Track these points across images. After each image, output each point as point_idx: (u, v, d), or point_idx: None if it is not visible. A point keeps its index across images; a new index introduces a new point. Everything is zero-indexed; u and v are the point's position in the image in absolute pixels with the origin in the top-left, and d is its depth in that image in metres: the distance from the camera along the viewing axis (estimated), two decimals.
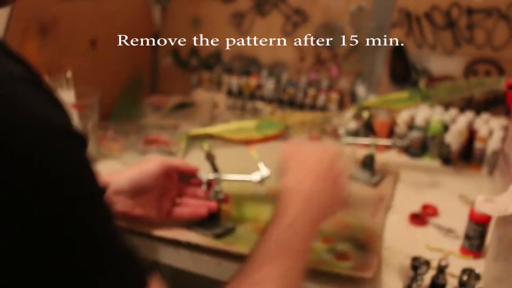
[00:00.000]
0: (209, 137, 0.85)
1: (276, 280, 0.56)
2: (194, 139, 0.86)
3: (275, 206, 0.65)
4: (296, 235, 0.62)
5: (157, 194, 0.84)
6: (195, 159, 0.92)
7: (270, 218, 0.64)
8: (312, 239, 0.65)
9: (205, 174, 0.87)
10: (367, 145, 1.15)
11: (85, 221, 0.41)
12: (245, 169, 0.85)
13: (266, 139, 0.86)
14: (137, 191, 0.80)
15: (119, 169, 1.08)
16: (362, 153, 1.18)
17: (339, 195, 0.71)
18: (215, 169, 0.87)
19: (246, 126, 0.84)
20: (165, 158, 0.84)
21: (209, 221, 0.87)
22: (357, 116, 1.26)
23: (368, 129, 1.16)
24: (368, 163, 1.11)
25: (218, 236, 0.85)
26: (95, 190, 0.43)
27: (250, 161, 0.85)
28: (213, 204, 0.86)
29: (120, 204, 0.80)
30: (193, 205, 0.88)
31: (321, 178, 0.69)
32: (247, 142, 0.85)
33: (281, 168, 0.71)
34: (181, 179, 0.88)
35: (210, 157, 0.86)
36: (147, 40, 1.57)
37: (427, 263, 0.77)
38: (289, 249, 0.60)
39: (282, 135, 0.86)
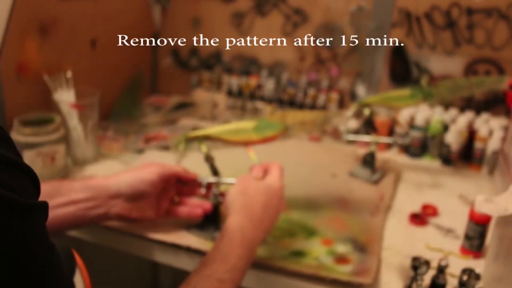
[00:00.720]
0: (207, 138, 0.85)
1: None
2: (192, 141, 0.86)
3: (218, 242, 0.70)
4: (233, 279, 0.67)
5: (155, 198, 0.84)
6: (194, 161, 0.92)
7: (212, 252, 0.69)
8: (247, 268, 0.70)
9: (204, 176, 0.87)
10: (367, 143, 1.15)
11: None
12: (243, 171, 0.85)
13: (265, 140, 0.85)
14: (135, 196, 0.81)
15: (119, 169, 1.08)
16: (362, 151, 1.18)
17: (271, 224, 0.78)
18: (214, 171, 0.86)
19: (244, 127, 0.84)
20: (164, 165, 0.84)
21: (208, 223, 0.87)
22: (358, 114, 1.26)
23: (369, 126, 1.16)
24: (368, 160, 1.11)
25: None
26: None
27: (248, 162, 0.85)
28: (208, 205, 0.86)
29: (118, 207, 0.80)
30: (190, 204, 0.88)
31: (259, 217, 0.76)
32: (246, 144, 0.85)
33: (230, 204, 0.77)
34: (180, 182, 0.88)
35: (209, 159, 0.86)
36: (147, 40, 1.57)
37: (427, 263, 0.77)
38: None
39: (281, 135, 0.86)
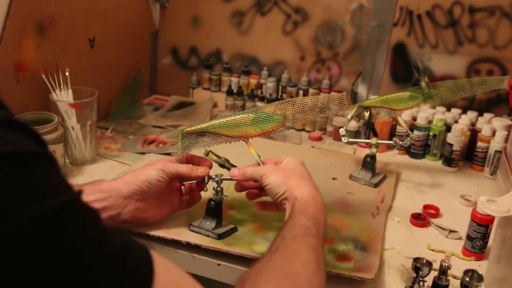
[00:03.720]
0: (204, 133, 0.84)
1: (308, 252, 0.62)
2: (189, 135, 0.84)
3: (290, 217, 0.70)
4: (317, 226, 0.68)
5: (166, 194, 0.85)
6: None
7: (287, 221, 0.69)
8: (325, 232, 0.71)
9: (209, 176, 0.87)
10: (368, 145, 1.14)
11: (67, 226, 0.40)
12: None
13: (264, 134, 0.84)
14: (145, 194, 0.80)
15: (118, 169, 1.07)
16: (363, 153, 1.17)
17: None
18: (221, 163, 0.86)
19: (242, 120, 0.83)
20: (168, 164, 0.83)
21: (210, 220, 0.86)
22: (358, 116, 1.25)
23: (369, 128, 1.15)
24: (369, 163, 1.10)
25: (221, 236, 0.84)
26: (71, 195, 0.42)
27: (249, 160, 0.84)
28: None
29: (131, 206, 0.80)
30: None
31: (315, 186, 0.77)
32: (245, 138, 0.84)
33: (281, 188, 0.75)
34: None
35: (224, 161, 0.86)
36: (146, 39, 1.56)
37: (429, 264, 0.76)
38: (313, 234, 0.66)
39: (280, 127, 0.85)
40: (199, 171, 0.84)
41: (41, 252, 0.38)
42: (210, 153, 0.86)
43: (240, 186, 0.85)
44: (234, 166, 0.85)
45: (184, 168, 0.83)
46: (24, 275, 0.37)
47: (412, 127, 1.26)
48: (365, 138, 1.25)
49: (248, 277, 0.57)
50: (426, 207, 1.01)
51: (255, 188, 0.85)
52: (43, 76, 1.09)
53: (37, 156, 0.41)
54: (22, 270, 0.37)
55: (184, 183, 0.88)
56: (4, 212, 0.36)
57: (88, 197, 0.76)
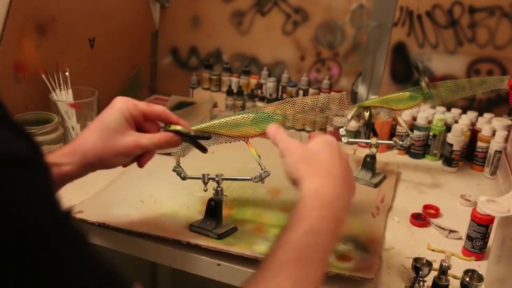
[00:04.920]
0: (204, 133, 0.84)
1: None
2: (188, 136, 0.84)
3: (292, 211, 0.61)
4: (316, 243, 0.58)
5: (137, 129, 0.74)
6: (196, 159, 0.91)
7: (287, 223, 0.60)
8: (332, 245, 0.62)
9: (205, 174, 0.86)
10: (368, 145, 1.14)
11: (52, 247, 0.37)
12: (245, 170, 0.84)
13: (264, 134, 0.84)
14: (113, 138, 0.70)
15: (118, 169, 1.08)
16: (363, 153, 1.17)
17: (353, 182, 0.70)
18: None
19: (242, 120, 0.82)
20: (126, 103, 0.72)
21: (210, 220, 0.86)
22: (358, 116, 1.25)
23: (369, 128, 1.15)
24: (369, 163, 1.10)
25: (221, 236, 0.84)
26: (57, 215, 0.38)
27: (249, 161, 0.84)
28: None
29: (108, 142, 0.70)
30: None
31: (338, 175, 0.65)
32: (245, 138, 0.84)
33: (293, 175, 0.67)
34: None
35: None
36: (146, 39, 1.56)
37: (429, 264, 0.76)
38: (307, 257, 0.56)
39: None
40: (155, 108, 0.74)
41: (9, 277, 0.34)
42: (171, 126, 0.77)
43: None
44: (203, 136, 0.77)
45: (144, 105, 0.73)
46: None
47: (412, 127, 1.26)
48: (365, 138, 1.25)
49: None
50: (426, 207, 1.01)
51: None
52: (43, 76, 1.09)
53: (26, 162, 0.37)
54: None
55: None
56: None
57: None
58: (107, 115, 0.70)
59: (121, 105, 0.71)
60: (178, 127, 0.75)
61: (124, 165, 0.76)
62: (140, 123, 0.74)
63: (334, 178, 0.65)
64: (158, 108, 0.74)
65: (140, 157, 0.75)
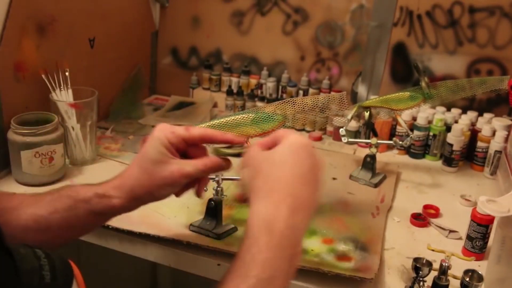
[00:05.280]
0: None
1: None
2: None
3: (240, 248, 0.53)
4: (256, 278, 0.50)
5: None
6: None
7: (234, 266, 0.52)
8: (287, 283, 0.53)
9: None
10: (368, 145, 1.14)
11: None
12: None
13: (264, 134, 0.84)
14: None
15: (118, 170, 1.07)
16: (363, 153, 1.17)
17: (318, 192, 0.59)
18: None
19: (242, 120, 0.82)
20: (164, 133, 0.67)
21: (209, 220, 0.86)
22: (358, 116, 1.25)
23: (369, 128, 1.15)
24: (369, 163, 1.10)
25: (221, 236, 0.84)
26: None
27: None
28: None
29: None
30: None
31: (299, 195, 0.56)
32: (244, 137, 0.84)
33: (246, 190, 0.58)
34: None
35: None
36: (146, 39, 1.56)
37: (429, 264, 0.76)
38: None
39: (280, 127, 0.85)
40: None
41: None
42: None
43: None
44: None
45: (181, 131, 0.68)
46: None
47: (412, 127, 1.26)
48: (365, 138, 1.25)
49: None
50: (426, 207, 1.01)
51: None
52: (43, 76, 1.09)
53: None
54: None
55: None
56: None
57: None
58: (148, 146, 0.67)
59: (159, 133, 0.67)
60: (225, 150, 0.71)
61: (177, 195, 0.72)
62: (184, 149, 0.69)
63: (292, 201, 0.55)
64: (197, 132, 0.68)
65: (195, 184, 0.72)
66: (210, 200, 0.87)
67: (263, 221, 0.53)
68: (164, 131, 0.67)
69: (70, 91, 1.12)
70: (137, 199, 0.68)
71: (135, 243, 0.87)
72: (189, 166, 0.67)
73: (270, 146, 0.61)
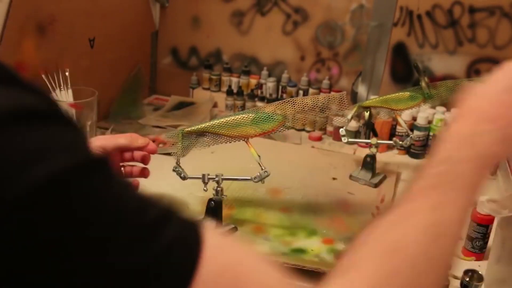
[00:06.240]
0: (204, 133, 0.84)
1: (428, 213, 0.46)
2: (189, 135, 0.84)
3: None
4: (454, 169, 0.49)
5: None
6: (196, 159, 0.91)
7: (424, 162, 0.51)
8: (478, 176, 0.50)
9: (205, 174, 0.86)
10: (368, 145, 1.14)
11: (73, 193, 0.32)
12: (246, 171, 0.84)
13: (264, 134, 0.84)
14: None
15: None
16: (363, 153, 1.17)
17: None
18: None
19: (242, 120, 0.83)
20: (109, 138, 0.74)
21: (210, 220, 0.86)
22: (358, 116, 1.25)
23: (369, 128, 1.15)
24: (369, 163, 1.10)
25: None
26: (87, 160, 0.34)
27: (250, 161, 0.84)
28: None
29: None
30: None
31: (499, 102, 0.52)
32: (245, 138, 0.84)
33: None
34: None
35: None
36: (146, 39, 1.56)
37: None
38: (445, 182, 0.48)
39: (280, 127, 0.85)
40: (139, 141, 0.74)
41: (42, 224, 0.30)
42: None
43: None
44: None
45: (122, 140, 0.74)
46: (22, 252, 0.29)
47: (412, 127, 1.26)
48: (365, 138, 1.25)
49: (349, 251, 0.46)
50: None
51: None
52: (43, 76, 1.09)
53: (47, 115, 0.33)
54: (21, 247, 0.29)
55: (124, 164, 0.77)
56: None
57: None
58: None
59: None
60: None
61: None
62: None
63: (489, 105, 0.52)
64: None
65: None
66: (210, 200, 0.87)
67: (466, 135, 0.50)
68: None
69: (70, 91, 1.12)
70: None
71: None
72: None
73: None
